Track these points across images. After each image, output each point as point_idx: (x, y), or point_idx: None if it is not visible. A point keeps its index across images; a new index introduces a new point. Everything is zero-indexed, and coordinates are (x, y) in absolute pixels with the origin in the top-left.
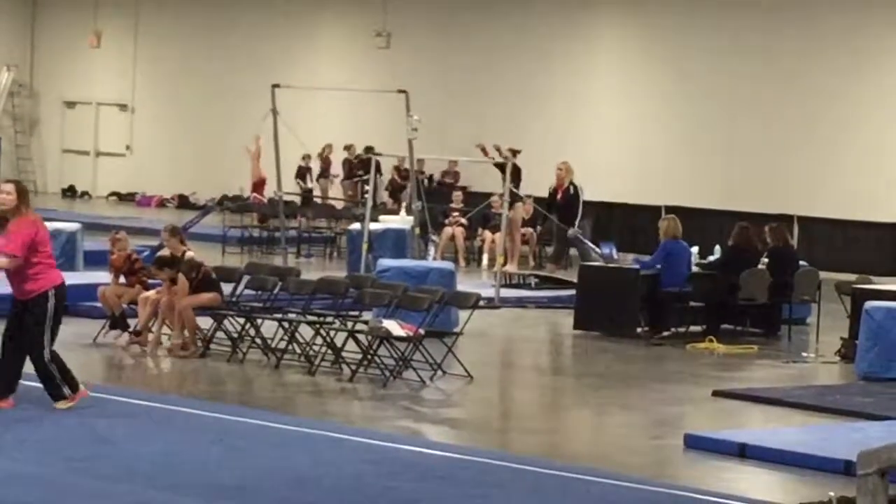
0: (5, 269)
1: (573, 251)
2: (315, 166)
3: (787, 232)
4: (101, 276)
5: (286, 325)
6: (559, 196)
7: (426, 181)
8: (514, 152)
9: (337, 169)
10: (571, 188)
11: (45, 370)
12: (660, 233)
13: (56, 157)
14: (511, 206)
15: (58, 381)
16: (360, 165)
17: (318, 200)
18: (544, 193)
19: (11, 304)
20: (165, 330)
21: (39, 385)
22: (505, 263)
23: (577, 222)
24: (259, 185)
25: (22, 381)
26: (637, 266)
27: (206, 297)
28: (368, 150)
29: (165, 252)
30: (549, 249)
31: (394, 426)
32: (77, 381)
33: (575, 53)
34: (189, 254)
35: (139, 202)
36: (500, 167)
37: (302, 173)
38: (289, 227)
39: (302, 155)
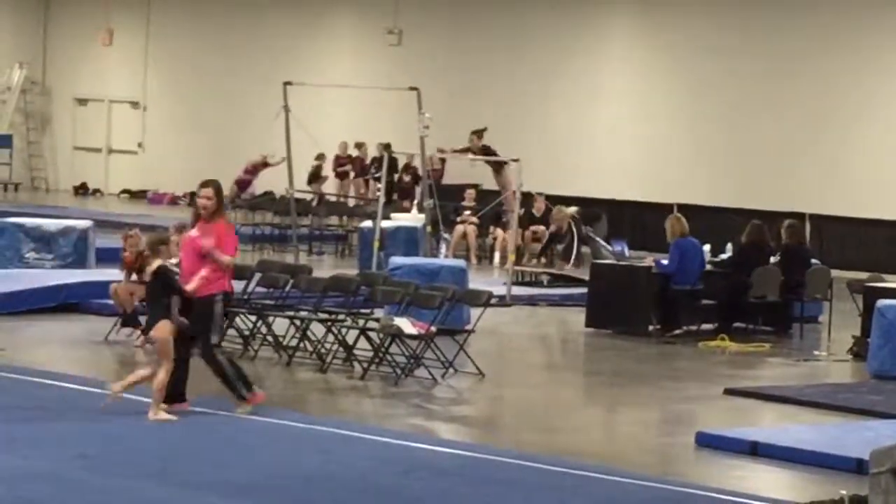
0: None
1: (585, 248)
2: (328, 166)
3: (802, 230)
4: (113, 274)
5: (298, 322)
6: (566, 237)
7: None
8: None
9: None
10: (573, 227)
11: (217, 365)
12: (667, 234)
13: (68, 155)
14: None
15: (232, 377)
16: (373, 163)
17: (352, 201)
18: (556, 191)
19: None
20: None
21: (48, 381)
22: (517, 261)
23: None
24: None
25: (27, 378)
26: (650, 265)
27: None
28: (386, 147)
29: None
30: (560, 247)
31: (405, 424)
32: (251, 383)
33: (587, 51)
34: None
35: (151, 199)
36: (491, 162)
37: (316, 174)
38: (300, 225)
39: (316, 154)
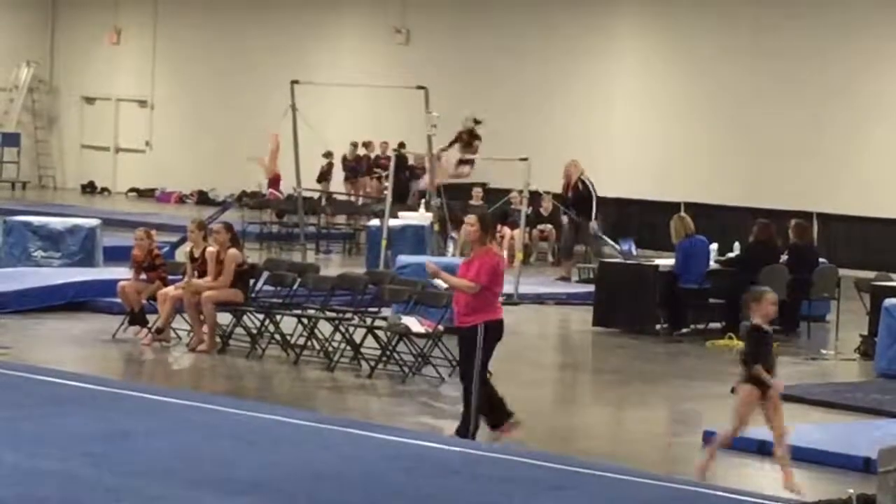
0: (461, 293)
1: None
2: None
3: (810, 229)
4: (121, 272)
5: (305, 321)
6: (570, 193)
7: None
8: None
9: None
10: (580, 184)
11: (474, 398)
12: (672, 235)
13: (75, 153)
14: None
15: (494, 409)
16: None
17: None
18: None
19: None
20: (185, 327)
21: (57, 380)
22: (524, 260)
23: (593, 215)
24: (275, 182)
25: (34, 376)
26: (657, 264)
27: (230, 292)
28: (400, 146)
29: (187, 247)
30: (558, 244)
31: (413, 422)
32: (508, 413)
33: (595, 50)
34: (210, 249)
35: (158, 198)
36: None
37: (324, 174)
38: (308, 224)
39: (324, 152)
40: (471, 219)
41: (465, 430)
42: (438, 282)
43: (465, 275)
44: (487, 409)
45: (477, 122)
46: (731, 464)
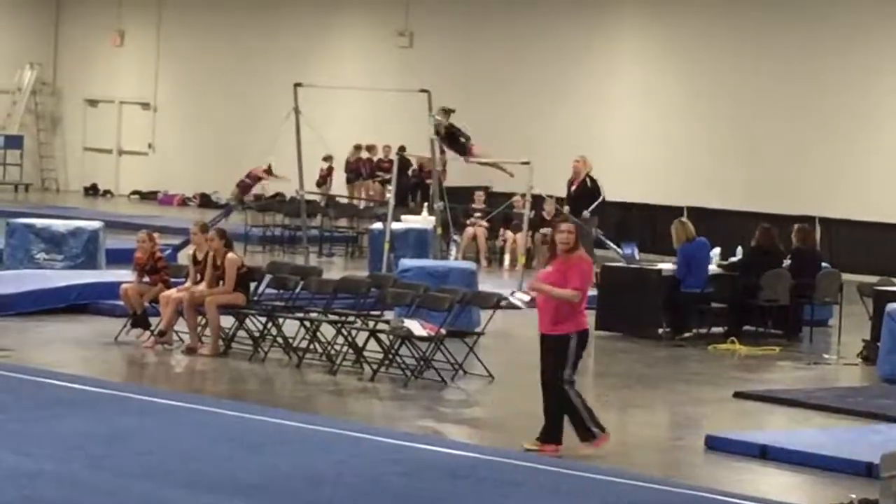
0: (548, 301)
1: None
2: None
3: (813, 234)
4: (123, 275)
5: (308, 324)
6: (574, 187)
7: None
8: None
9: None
10: (588, 181)
11: (570, 407)
12: (673, 240)
13: (78, 156)
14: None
15: (584, 419)
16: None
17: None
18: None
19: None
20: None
21: (58, 382)
22: (527, 264)
23: (591, 208)
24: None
25: (36, 378)
26: (660, 268)
27: (232, 295)
28: (401, 149)
29: (190, 249)
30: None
31: (415, 426)
32: (598, 424)
33: (597, 53)
34: (230, 255)
35: (161, 201)
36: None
37: (323, 177)
38: (311, 227)
39: (324, 156)
40: (568, 226)
41: (548, 437)
42: (519, 297)
43: (555, 282)
44: (558, 419)
45: (448, 111)
46: (732, 468)
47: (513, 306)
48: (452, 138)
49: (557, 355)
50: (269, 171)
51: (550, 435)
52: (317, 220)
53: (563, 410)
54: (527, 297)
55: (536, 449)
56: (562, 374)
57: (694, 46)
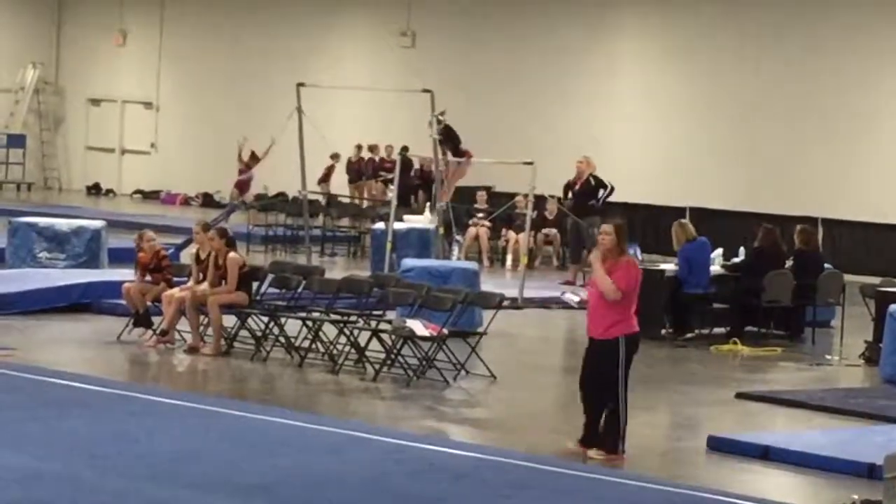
0: (599, 305)
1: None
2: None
3: (815, 235)
4: (126, 274)
5: (310, 323)
6: (577, 186)
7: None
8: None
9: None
10: (592, 180)
11: (613, 412)
12: (673, 242)
13: (81, 155)
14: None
15: (620, 428)
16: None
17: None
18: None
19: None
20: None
21: (60, 381)
22: (529, 264)
23: (602, 198)
24: (243, 183)
25: (39, 378)
26: (663, 269)
27: (235, 295)
28: (404, 149)
29: (192, 249)
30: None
31: (417, 426)
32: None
33: (598, 54)
34: (232, 255)
35: (163, 200)
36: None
37: (326, 175)
38: (313, 226)
39: (332, 153)
40: (606, 228)
41: (608, 445)
42: (569, 297)
43: (596, 288)
44: (593, 424)
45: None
46: (734, 469)
47: (564, 304)
48: (448, 136)
49: (607, 360)
50: (254, 157)
51: (610, 442)
52: (319, 220)
53: (616, 415)
54: (577, 297)
55: (601, 458)
56: (613, 379)
57: (695, 47)
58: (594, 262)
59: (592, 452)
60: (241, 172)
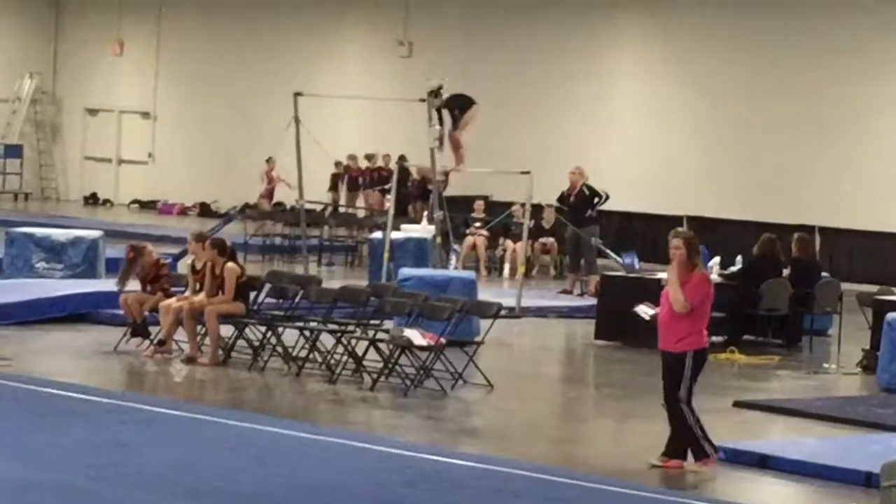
0: (670, 317)
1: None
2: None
3: (813, 243)
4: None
5: (307, 333)
6: (572, 198)
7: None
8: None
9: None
10: (586, 189)
11: (683, 425)
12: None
13: (78, 165)
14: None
15: (699, 437)
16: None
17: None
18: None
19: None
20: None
21: (57, 391)
22: (526, 273)
23: (597, 205)
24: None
25: (35, 388)
26: (660, 277)
27: (232, 305)
28: (402, 158)
29: (189, 259)
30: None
31: (414, 435)
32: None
33: (597, 63)
34: (230, 266)
35: (161, 210)
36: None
37: (335, 183)
38: (310, 236)
39: (335, 162)
40: (676, 242)
41: (673, 453)
42: (644, 310)
43: (667, 301)
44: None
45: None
46: (731, 477)
47: (640, 316)
48: (452, 104)
49: (673, 373)
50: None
51: (674, 451)
52: (316, 230)
53: (682, 428)
54: (651, 311)
55: (661, 465)
56: (677, 393)
57: (692, 56)
58: (669, 275)
59: (653, 458)
60: (269, 182)
